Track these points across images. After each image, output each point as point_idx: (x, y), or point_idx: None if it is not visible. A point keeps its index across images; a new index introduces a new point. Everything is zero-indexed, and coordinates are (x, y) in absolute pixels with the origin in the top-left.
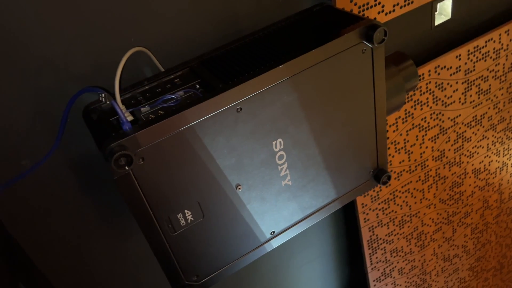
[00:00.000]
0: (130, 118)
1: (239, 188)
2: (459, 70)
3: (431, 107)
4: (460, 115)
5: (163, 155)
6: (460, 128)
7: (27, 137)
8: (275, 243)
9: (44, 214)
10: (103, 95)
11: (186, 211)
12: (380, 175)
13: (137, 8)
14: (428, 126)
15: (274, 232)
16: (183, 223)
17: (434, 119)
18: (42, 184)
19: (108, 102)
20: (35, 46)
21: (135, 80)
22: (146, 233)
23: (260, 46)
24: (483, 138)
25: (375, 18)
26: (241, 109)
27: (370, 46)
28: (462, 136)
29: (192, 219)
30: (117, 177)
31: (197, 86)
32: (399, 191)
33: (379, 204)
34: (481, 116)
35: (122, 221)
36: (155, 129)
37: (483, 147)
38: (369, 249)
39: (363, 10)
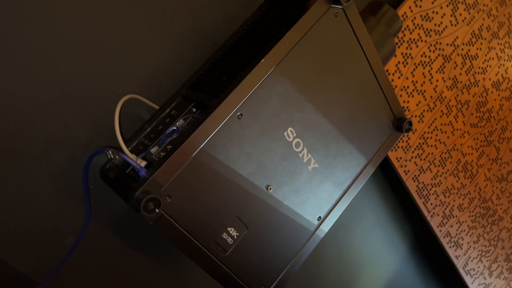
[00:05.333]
0: (143, 163)
1: (270, 189)
2: None
3: (425, 41)
4: (457, 37)
5: (187, 185)
6: (462, 49)
7: (59, 216)
8: (326, 227)
9: (103, 283)
10: (109, 152)
11: (229, 229)
12: (400, 124)
13: (111, 60)
14: (430, 59)
15: (320, 217)
16: (230, 241)
17: (433, 51)
18: (90, 254)
19: (118, 157)
20: (33, 133)
21: (137, 126)
22: (200, 263)
23: (238, 50)
24: (489, 50)
25: None
26: (241, 115)
27: (340, 7)
28: (468, 56)
29: (238, 234)
30: (152, 222)
31: (194, 110)
32: (428, 132)
33: (413, 152)
34: (478, 29)
35: (178, 259)
36: (169, 164)
37: (493, 59)
38: (420, 198)
39: None
